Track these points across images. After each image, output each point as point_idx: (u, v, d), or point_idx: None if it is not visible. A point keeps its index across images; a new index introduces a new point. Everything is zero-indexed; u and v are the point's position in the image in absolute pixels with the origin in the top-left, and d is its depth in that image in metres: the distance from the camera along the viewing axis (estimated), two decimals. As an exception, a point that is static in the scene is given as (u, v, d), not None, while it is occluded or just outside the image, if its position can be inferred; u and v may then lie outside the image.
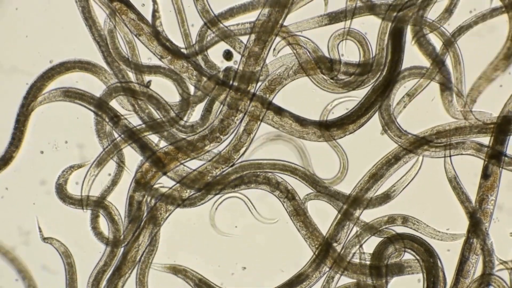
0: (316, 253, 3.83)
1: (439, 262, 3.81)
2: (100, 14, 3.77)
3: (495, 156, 3.74)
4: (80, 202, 3.83)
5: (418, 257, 3.83)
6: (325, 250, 3.82)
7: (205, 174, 3.80)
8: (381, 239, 3.83)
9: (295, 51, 3.75)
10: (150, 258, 3.88)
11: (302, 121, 3.80)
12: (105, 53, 3.80)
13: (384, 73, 3.74)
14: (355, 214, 3.81)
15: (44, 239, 3.85)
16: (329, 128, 3.79)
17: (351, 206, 3.81)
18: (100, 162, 3.81)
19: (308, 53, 3.74)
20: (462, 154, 3.79)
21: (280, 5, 3.68)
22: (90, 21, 3.76)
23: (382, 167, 3.81)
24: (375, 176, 3.81)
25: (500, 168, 3.75)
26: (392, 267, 3.84)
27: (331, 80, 3.75)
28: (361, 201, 3.80)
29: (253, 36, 3.71)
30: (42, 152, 3.83)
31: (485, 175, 3.76)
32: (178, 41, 3.80)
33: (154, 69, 3.81)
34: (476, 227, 3.76)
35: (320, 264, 3.83)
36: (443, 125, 3.78)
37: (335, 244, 3.82)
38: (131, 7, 3.76)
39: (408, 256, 3.86)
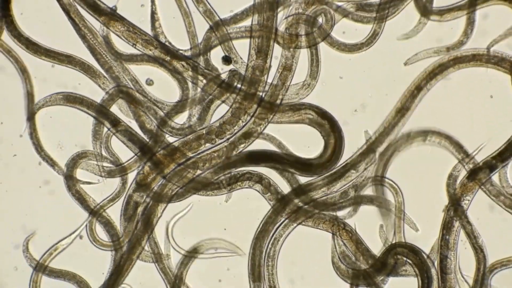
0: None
1: (427, 259, 3.79)
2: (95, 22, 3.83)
3: (490, 167, 3.75)
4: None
5: (407, 259, 3.83)
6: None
7: (208, 178, 3.84)
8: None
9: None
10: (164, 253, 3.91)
11: (297, 106, 3.81)
12: (98, 57, 3.83)
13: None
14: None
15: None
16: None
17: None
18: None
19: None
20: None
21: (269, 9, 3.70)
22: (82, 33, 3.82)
23: (407, 100, 3.77)
24: (401, 111, 3.77)
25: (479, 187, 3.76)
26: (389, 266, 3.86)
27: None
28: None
29: (253, 51, 3.73)
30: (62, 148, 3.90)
31: (470, 176, 3.75)
32: (178, 42, 3.83)
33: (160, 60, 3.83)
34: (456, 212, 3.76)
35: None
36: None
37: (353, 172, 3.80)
38: (120, 19, 3.77)
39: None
